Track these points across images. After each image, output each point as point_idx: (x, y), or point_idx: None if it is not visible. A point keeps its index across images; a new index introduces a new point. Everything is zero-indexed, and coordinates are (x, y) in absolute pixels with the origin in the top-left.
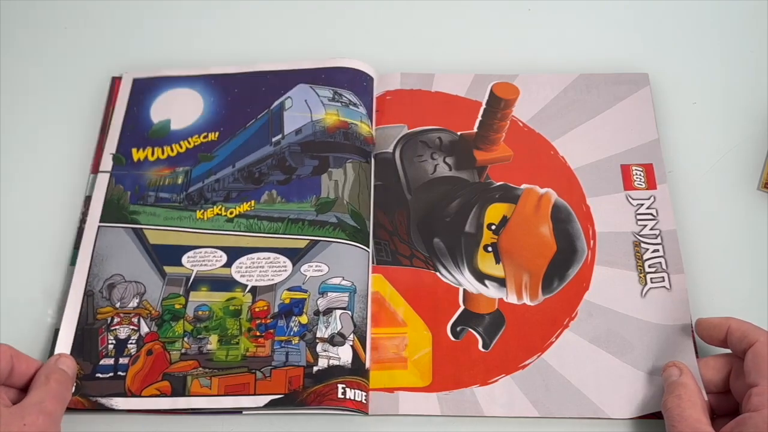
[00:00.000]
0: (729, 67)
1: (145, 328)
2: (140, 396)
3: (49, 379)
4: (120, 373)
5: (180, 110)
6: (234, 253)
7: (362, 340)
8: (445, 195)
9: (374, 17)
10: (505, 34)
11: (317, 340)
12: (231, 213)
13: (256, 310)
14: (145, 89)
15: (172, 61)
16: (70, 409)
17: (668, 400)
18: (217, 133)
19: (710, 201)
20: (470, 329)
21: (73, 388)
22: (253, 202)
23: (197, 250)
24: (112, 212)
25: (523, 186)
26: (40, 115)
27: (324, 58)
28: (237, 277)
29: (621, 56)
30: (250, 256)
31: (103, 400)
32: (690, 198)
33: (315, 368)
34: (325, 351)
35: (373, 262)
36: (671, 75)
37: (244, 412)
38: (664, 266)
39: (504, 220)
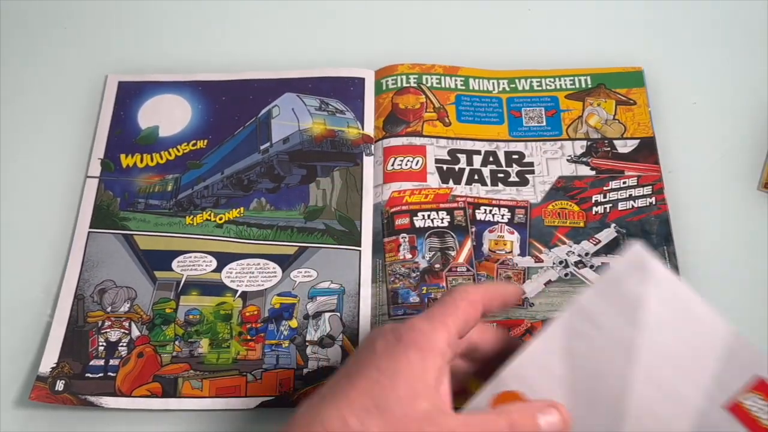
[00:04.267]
0: (729, 66)
1: (136, 332)
2: (130, 396)
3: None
4: (110, 373)
5: (168, 117)
6: (224, 259)
7: (353, 338)
8: None
9: (372, 15)
10: (504, 32)
11: (307, 343)
12: (220, 219)
13: (247, 314)
14: (132, 93)
15: (170, 63)
16: (58, 407)
17: None
18: (205, 141)
19: (710, 201)
20: None
21: None
22: (242, 209)
23: (187, 255)
24: (102, 219)
25: None
26: (40, 116)
27: (311, 68)
28: (227, 282)
29: (621, 56)
30: (240, 262)
31: (93, 399)
32: (690, 198)
33: (305, 370)
34: (315, 353)
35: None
36: (671, 75)
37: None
38: None
39: None
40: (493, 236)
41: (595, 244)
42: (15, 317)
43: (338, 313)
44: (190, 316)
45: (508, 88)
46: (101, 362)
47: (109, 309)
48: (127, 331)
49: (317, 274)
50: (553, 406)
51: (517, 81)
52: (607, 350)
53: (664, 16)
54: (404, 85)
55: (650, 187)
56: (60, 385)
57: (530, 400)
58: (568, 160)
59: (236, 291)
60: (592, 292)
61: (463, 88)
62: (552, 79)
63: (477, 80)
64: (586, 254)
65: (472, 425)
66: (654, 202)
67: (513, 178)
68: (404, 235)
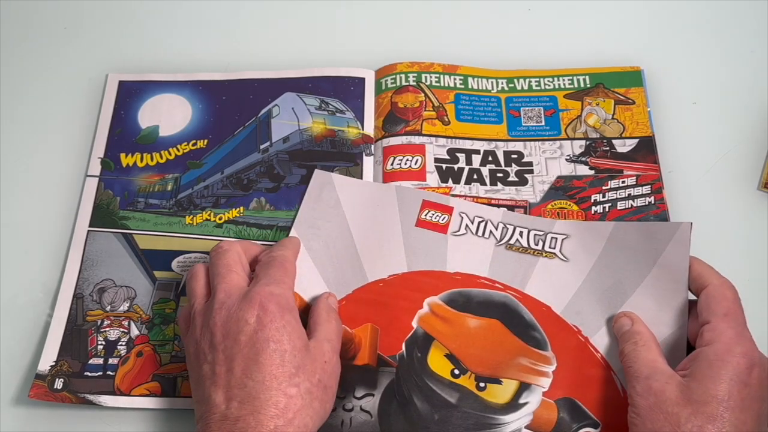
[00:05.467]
0: (729, 66)
1: (135, 331)
2: (129, 395)
3: (330, 318)
4: (109, 372)
5: (168, 116)
6: None
7: None
8: None
9: (372, 15)
10: (504, 31)
11: None
12: (220, 219)
13: None
14: (132, 92)
15: (171, 63)
16: (57, 405)
17: (625, 347)
18: (205, 141)
19: (710, 201)
20: None
21: None
22: (242, 208)
23: (187, 255)
24: (102, 218)
25: None
26: (40, 115)
27: (311, 67)
28: None
29: (620, 55)
30: None
31: (91, 397)
32: (690, 198)
33: None
34: None
35: None
36: (671, 74)
37: None
38: None
39: None
40: None
41: None
42: (14, 315)
43: None
44: None
45: (506, 88)
46: (100, 361)
47: (108, 308)
48: (126, 330)
49: None
50: (326, 292)
51: (516, 80)
52: (333, 236)
53: (664, 16)
54: (403, 83)
55: (649, 186)
56: (59, 384)
57: (312, 297)
58: (567, 159)
59: None
60: (303, 209)
61: (462, 87)
62: (551, 79)
63: (476, 79)
64: None
65: (331, 335)
66: (653, 202)
67: (512, 177)
68: None
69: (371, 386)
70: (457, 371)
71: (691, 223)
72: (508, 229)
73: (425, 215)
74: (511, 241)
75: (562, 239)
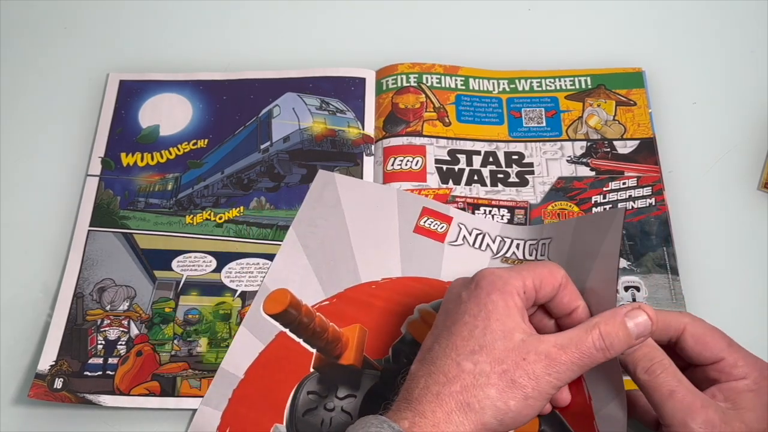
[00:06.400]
0: (729, 66)
1: (135, 330)
2: (129, 395)
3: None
4: (109, 372)
5: (169, 116)
6: (223, 259)
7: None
8: None
9: (373, 15)
10: (504, 32)
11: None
12: (220, 218)
13: (246, 314)
14: (133, 92)
15: (171, 63)
16: (56, 405)
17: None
18: (206, 140)
19: (710, 201)
20: None
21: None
22: (242, 207)
23: (187, 255)
24: (102, 217)
25: None
26: (41, 115)
27: (312, 68)
28: (227, 282)
29: (621, 56)
30: (239, 261)
31: (91, 397)
32: (690, 198)
33: None
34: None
35: None
36: (671, 74)
37: None
38: None
39: None
40: None
41: None
42: (14, 315)
43: None
44: (189, 316)
45: (508, 89)
46: (100, 360)
47: (108, 307)
48: (126, 330)
49: None
50: (639, 307)
51: (517, 81)
52: (330, 235)
53: (664, 17)
54: (404, 84)
55: (650, 188)
56: (59, 383)
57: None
58: (567, 160)
59: (235, 291)
60: (304, 208)
61: (463, 88)
62: (552, 80)
63: (477, 80)
64: None
65: (563, 344)
66: (654, 203)
67: (513, 178)
68: None
69: (354, 387)
70: None
71: (625, 208)
72: (505, 242)
73: (424, 222)
74: (507, 254)
75: (548, 243)
